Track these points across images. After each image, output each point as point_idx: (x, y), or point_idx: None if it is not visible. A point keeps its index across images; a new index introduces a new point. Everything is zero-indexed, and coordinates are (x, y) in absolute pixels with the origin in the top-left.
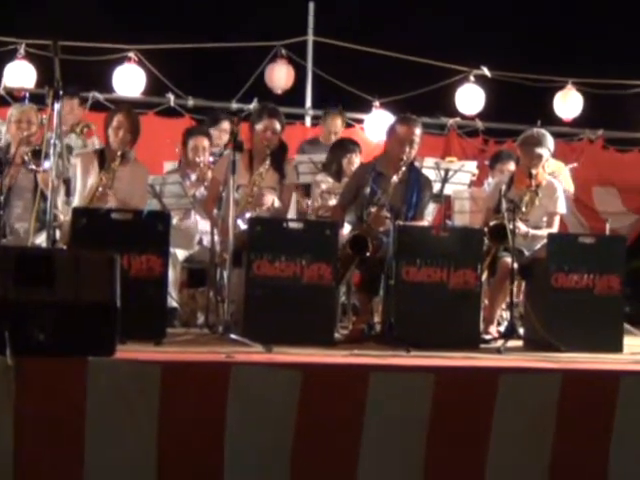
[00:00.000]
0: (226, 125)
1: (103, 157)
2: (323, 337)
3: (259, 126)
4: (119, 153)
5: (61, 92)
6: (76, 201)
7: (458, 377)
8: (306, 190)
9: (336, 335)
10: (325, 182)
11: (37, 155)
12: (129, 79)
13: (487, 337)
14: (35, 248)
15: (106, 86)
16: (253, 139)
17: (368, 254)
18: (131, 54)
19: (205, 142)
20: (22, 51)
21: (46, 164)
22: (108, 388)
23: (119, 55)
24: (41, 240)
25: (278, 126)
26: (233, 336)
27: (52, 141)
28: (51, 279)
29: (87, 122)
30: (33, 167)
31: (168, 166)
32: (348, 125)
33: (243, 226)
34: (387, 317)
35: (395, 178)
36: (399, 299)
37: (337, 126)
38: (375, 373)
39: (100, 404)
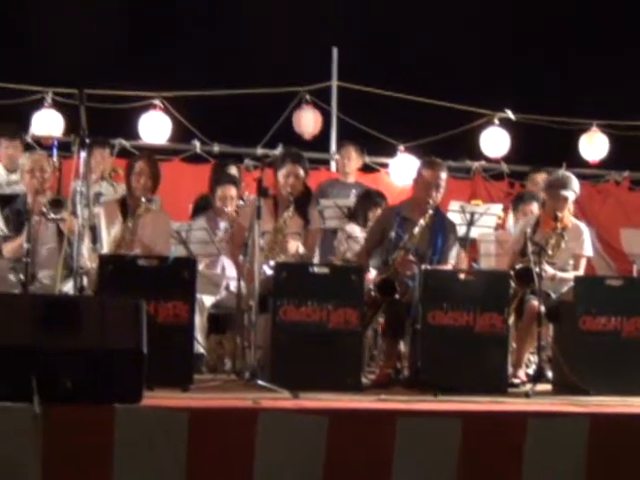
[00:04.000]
0: (234, 170)
1: (125, 205)
2: (350, 382)
3: (282, 172)
4: (142, 200)
5: (87, 140)
6: (102, 249)
7: (486, 422)
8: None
9: (363, 380)
10: (350, 228)
11: (55, 204)
12: (155, 126)
13: (515, 381)
14: (62, 295)
15: (132, 133)
16: (277, 185)
17: (397, 296)
18: (156, 101)
19: (233, 191)
20: (49, 99)
21: (64, 213)
22: (135, 435)
23: (145, 102)
24: (68, 287)
25: (301, 172)
26: (260, 382)
27: (78, 188)
28: (78, 326)
29: (113, 166)
30: (52, 216)
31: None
32: (373, 170)
33: (269, 272)
34: (414, 361)
35: (421, 222)
36: (426, 343)
37: (350, 152)
38: (402, 418)
39: (128, 451)
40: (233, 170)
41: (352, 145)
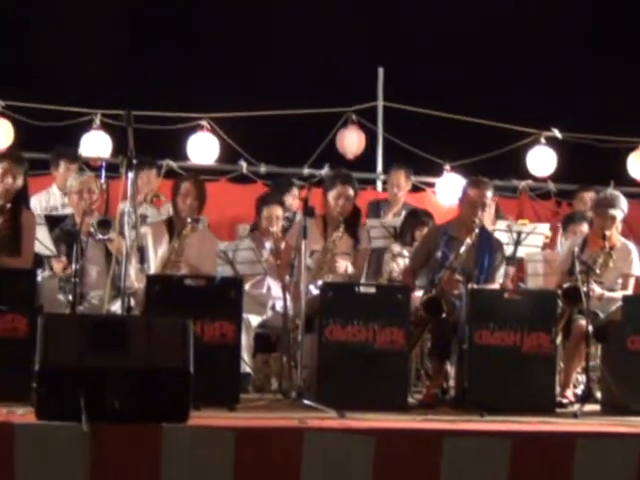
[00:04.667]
0: (296, 191)
1: (172, 225)
2: (396, 402)
3: (332, 193)
4: (188, 220)
5: (134, 161)
6: (149, 269)
7: (534, 442)
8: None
9: (410, 400)
10: (396, 247)
11: (103, 225)
12: (202, 147)
13: (563, 401)
14: (110, 315)
15: (180, 154)
16: (327, 206)
17: (443, 316)
18: (204, 122)
19: (279, 211)
20: (98, 121)
21: (111, 233)
22: (183, 454)
23: (192, 124)
24: (116, 308)
25: (351, 192)
26: (306, 401)
27: (126, 209)
28: (126, 346)
29: (156, 192)
30: (100, 237)
31: (240, 229)
32: (419, 189)
33: (315, 291)
34: (461, 381)
35: (468, 241)
36: (472, 363)
37: (400, 179)
38: (449, 438)
39: (175, 470)
40: (295, 191)
41: (402, 171)
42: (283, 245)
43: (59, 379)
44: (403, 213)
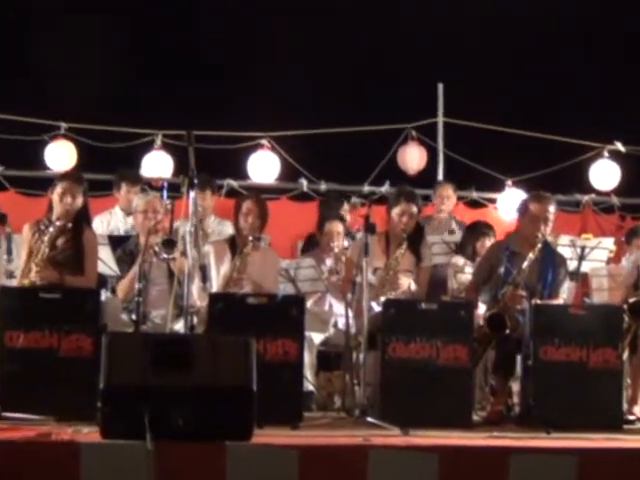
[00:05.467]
0: (346, 207)
1: (234, 244)
2: (461, 419)
3: (396, 210)
4: (250, 238)
5: (195, 180)
6: (211, 288)
7: (601, 459)
8: None
9: (474, 417)
10: (459, 263)
11: (167, 244)
12: (263, 165)
13: (630, 417)
14: (173, 334)
15: (241, 173)
16: (390, 223)
17: (507, 332)
18: (264, 141)
19: (340, 227)
20: (159, 142)
21: (175, 253)
22: (247, 473)
23: (253, 142)
24: (179, 326)
25: (415, 210)
26: (370, 419)
27: (188, 228)
28: (189, 364)
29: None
30: (164, 256)
31: (301, 244)
32: (481, 205)
33: (377, 308)
34: (526, 398)
35: (530, 256)
36: (537, 379)
37: (448, 191)
38: (515, 456)
39: None
40: (345, 206)
41: (449, 184)
42: (343, 260)
43: (123, 398)
44: (454, 224)
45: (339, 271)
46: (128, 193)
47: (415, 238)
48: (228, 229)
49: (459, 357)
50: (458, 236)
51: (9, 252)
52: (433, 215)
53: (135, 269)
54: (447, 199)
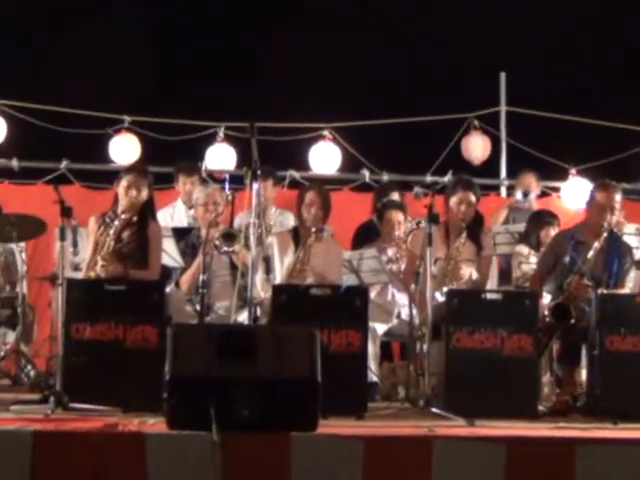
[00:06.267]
0: (396, 196)
1: (297, 235)
2: (526, 410)
3: (454, 199)
4: (313, 230)
5: (259, 172)
6: (275, 279)
7: None
8: None
9: (540, 407)
10: (523, 252)
11: (227, 237)
12: (325, 156)
13: None
14: (238, 325)
15: (303, 164)
16: (448, 212)
17: (572, 322)
18: (326, 132)
19: (400, 216)
20: (221, 134)
21: (236, 246)
22: (312, 463)
23: (314, 134)
24: (243, 318)
25: (473, 198)
26: (434, 410)
27: (251, 220)
28: (254, 355)
29: None
30: (225, 249)
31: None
32: (545, 194)
33: (441, 299)
34: (592, 388)
35: (596, 245)
36: (604, 369)
37: (532, 184)
38: (582, 446)
39: (305, 479)
40: (395, 196)
41: (531, 174)
42: (404, 248)
43: (189, 389)
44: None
45: (400, 259)
46: (185, 185)
47: (475, 227)
48: (289, 220)
49: (524, 347)
50: (522, 226)
51: (75, 245)
52: (518, 204)
53: (198, 261)
54: (529, 189)
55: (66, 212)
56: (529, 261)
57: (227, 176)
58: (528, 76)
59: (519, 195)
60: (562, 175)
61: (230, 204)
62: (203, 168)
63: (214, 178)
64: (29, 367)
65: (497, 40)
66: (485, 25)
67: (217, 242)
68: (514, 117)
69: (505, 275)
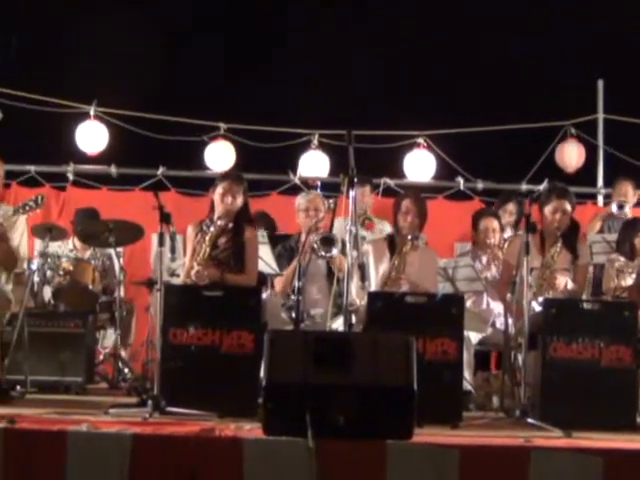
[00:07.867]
0: (512, 207)
1: (393, 242)
2: (624, 421)
3: (548, 207)
4: (409, 237)
5: (356, 179)
6: (370, 287)
7: None
8: None
9: (638, 419)
10: (617, 261)
11: (325, 242)
12: (419, 164)
13: None
14: (333, 332)
15: (397, 172)
16: (543, 221)
17: None
18: (420, 140)
19: (495, 223)
20: (315, 141)
21: (334, 250)
22: (407, 471)
23: (409, 141)
24: (337, 325)
25: (568, 207)
26: (530, 420)
27: (348, 227)
28: (350, 362)
29: (368, 215)
30: (323, 254)
31: (458, 247)
32: None
33: (537, 308)
34: None
35: None
36: None
37: (628, 192)
38: None
39: None
40: (511, 206)
41: (628, 181)
42: (500, 255)
43: (285, 395)
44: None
45: (492, 265)
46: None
47: (571, 235)
48: (385, 228)
49: (622, 358)
50: None
51: (173, 250)
52: (615, 214)
53: (294, 264)
54: (625, 197)
55: (165, 218)
56: (623, 270)
57: (319, 183)
58: (626, 83)
59: (614, 207)
60: None
61: (332, 211)
62: (297, 175)
63: (307, 185)
64: (126, 371)
65: (595, 48)
66: (583, 33)
67: (315, 246)
68: (612, 125)
69: (599, 285)
